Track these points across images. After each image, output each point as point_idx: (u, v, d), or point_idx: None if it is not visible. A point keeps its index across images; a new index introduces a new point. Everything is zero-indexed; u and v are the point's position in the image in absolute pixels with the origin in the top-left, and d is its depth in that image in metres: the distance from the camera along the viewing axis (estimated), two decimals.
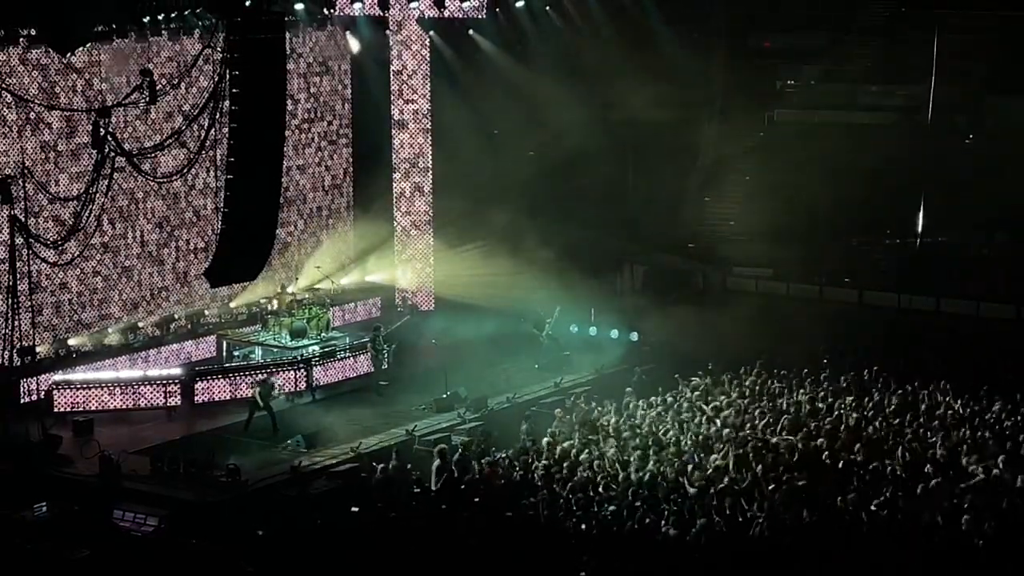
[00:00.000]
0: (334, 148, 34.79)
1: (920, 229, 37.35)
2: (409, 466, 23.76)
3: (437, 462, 23.28)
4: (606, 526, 19.45)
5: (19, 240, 27.06)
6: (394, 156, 35.20)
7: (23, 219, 27.32)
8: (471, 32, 34.93)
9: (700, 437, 24.15)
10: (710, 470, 22.25)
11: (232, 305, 32.03)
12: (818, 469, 22.44)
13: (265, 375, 27.92)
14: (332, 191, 34.95)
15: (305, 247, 34.31)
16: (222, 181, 28.44)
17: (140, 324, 30.37)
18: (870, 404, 26.15)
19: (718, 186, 43.19)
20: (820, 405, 26.27)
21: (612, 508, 20.14)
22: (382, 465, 23.17)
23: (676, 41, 39.29)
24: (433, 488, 22.37)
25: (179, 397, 28.17)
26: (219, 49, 27.64)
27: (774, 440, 23.94)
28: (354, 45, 34.28)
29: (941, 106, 40.45)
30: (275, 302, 31.08)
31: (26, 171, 27.78)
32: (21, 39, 27.47)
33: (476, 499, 21.21)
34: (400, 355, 30.61)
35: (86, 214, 28.19)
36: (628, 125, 39.06)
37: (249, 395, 27.41)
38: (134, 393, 28.02)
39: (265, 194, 27.45)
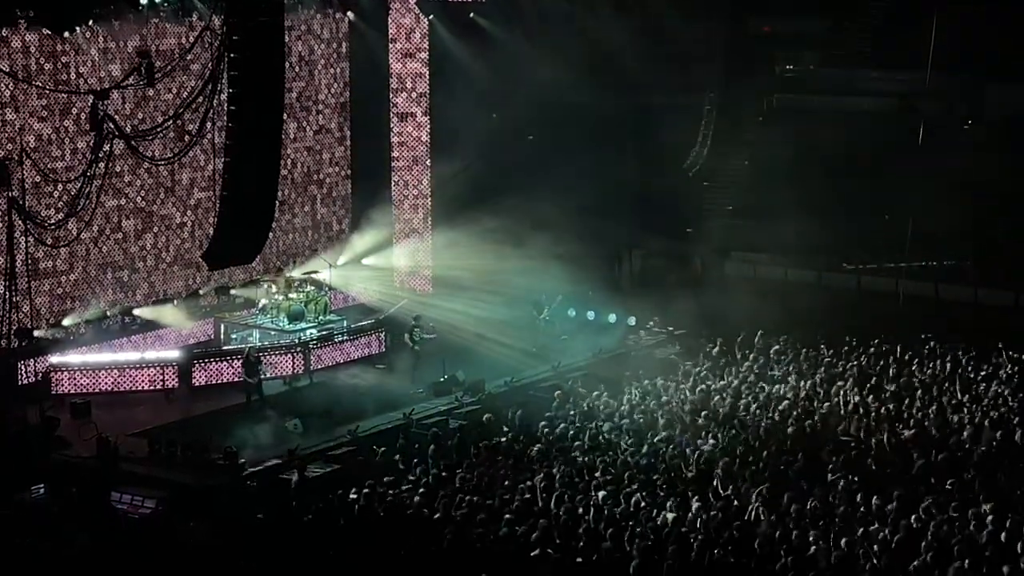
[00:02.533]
0: (332, 131, 34.72)
1: (918, 215, 37.33)
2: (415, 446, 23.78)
3: (432, 446, 23.30)
4: (600, 510, 19.47)
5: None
6: (393, 140, 35.16)
7: (21, 201, 27.25)
8: (472, 16, 34.86)
9: (696, 421, 24.18)
10: (706, 454, 22.30)
11: (234, 291, 31.97)
12: (814, 454, 22.47)
13: (246, 351, 27.83)
14: (329, 174, 34.90)
15: (303, 229, 34.27)
16: (220, 163, 28.33)
17: (136, 311, 30.28)
18: (867, 389, 26.17)
19: (716, 171, 43.17)
20: (818, 390, 26.31)
21: (606, 492, 20.15)
22: (383, 448, 23.16)
23: (676, 25, 39.23)
24: (429, 472, 22.35)
25: (177, 380, 28.16)
26: (218, 31, 27.55)
27: (770, 424, 23.97)
28: (354, 27, 34.19)
29: (940, 92, 40.42)
30: (273, 285, 31.04)
31: (24, 153, 27.69)
32: (19, 19, 27.36)
33: (472, 483, 21.20)
34: (397, 339, 30.59)
35: (83, 196, 28.11)
36: (626, 108, 39.02)
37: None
38: (132, 375, 28.00)
39: (263, 176, 27.35)
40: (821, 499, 19.99)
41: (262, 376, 27.44)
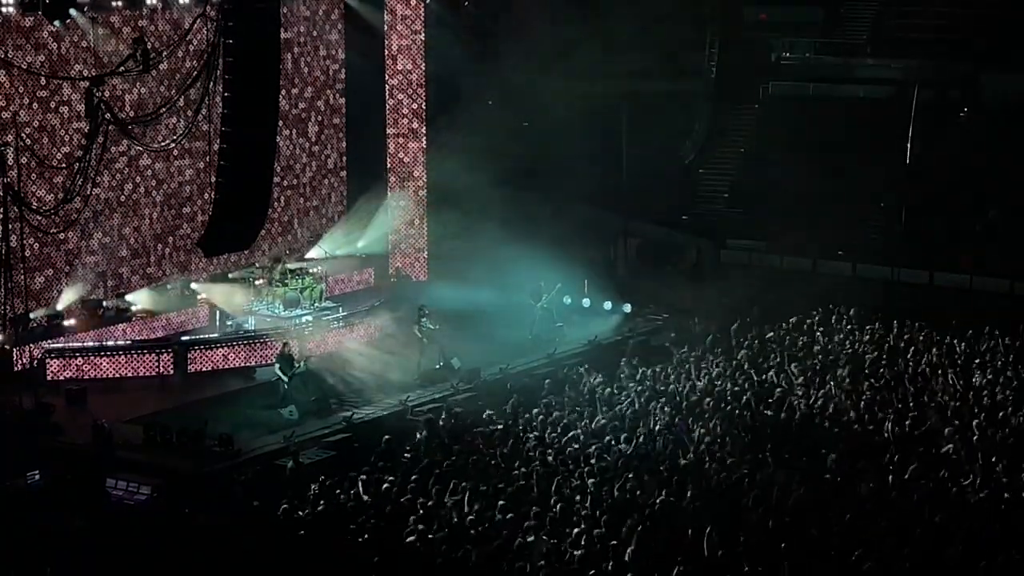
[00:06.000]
0: (328, 115, 34.69)
1: (914, 203, 37.36)
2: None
3: (424, 432, 23.32)
4: (595, 496, 19.51)
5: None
6: (388, 124, 35.09)
7: (16, 188, 27.21)
8: (467, 3, 34.81)
9: (692, 408, 24.21)
10: (701, 441, 22.33)
11: (231, 276, 31.94)
12: (809, 442, 22.52)
13: (281, 347, 27.60)
14: (325, 159, 34.87)
15: (298, 216, 34.27)
16: (216, 149, 28.29)
17: (129, 299, 30.26)
18: (862, 377, 26.21)
19: (712, 159, 43.21)
20: (814, 378, 26.33)
21: (600, 479, 20.18)
22: (387, 437, 23.15)
23: (672, 13, 39.25)
24: (424, 460, 22.36)
25: (172, 366, 28.15)
26: (214, 17, 27.51)
27: (765, 412, 24.01)
28: (350, 11, 34.15)
29: (936, 80, 40.44)
30: (269, 272, 31.02)
31: (20, 140, 27.66)
32: (13, 5, 27.31)
33: (466, 470, 21.24)
34: (395, 326, 30.56)
35: (79, 182, 28.09)
36: (623, 96, 39.02)
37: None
38: (127, 362, 28.00)
39: (259, 163, 27.36)
40: (815, 485, 20.03)
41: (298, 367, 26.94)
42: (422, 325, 29.03)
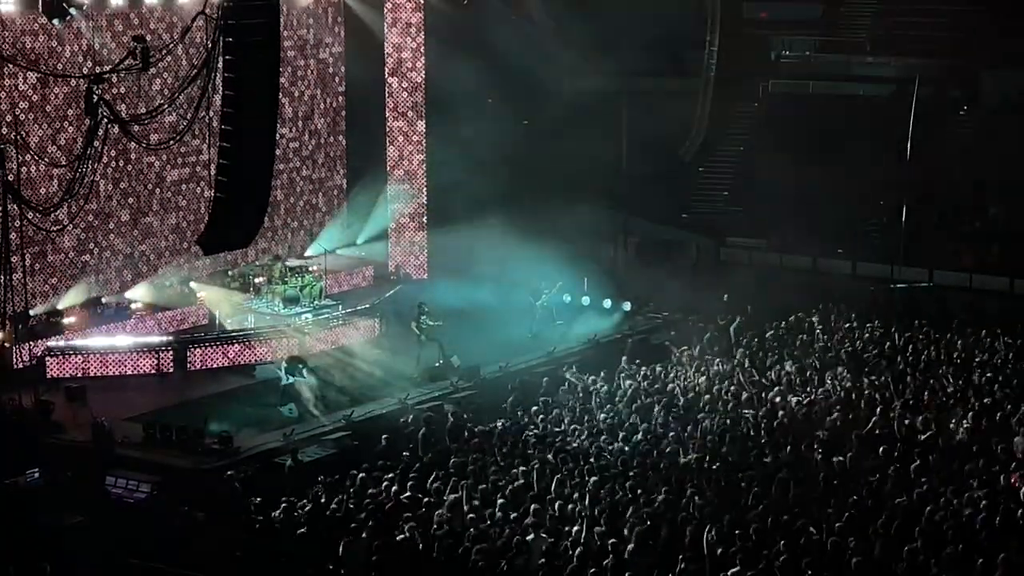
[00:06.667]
0: (328, 114, 34.67)
1: (914, 201, 37.41)
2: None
3: (424, 430, 23.31)
4: (595, 495, 19.51)
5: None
6: (387, 121, 35.06)
7: (15, 185, 27.19)
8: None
9: (691, 407, 24.20)
10: (701, 440, 22.32)
11: (230, 273, 31.95)
12: (808, 441, 22.51)
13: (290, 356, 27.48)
14: (325, 157, 34.85)
15: (298, 214, 34.25)
16: (215, 147, 28.27)
17: (129, 296, 30.25)
18: (862, 376, 26.20)
19: (712, 158, 43.23)
20: (813, 376, 26.33)
21: (600, 478, 20.17)
22: (385, 436, 23.11)
23: (672, 10, 39.25)
24: (423, 457, 22.36)
25: (172, 364, 28.14)
26: (213, 15, 27.47)
27: (765, 410, 23.99)
28: (349, 7, 34.15)
29: (936, 78, 40.47)
30: (268, 269, 31.03)
31: (19, 136, 27.64)
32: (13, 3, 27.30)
33: (466, 468, 21.22)
34: (394, 324, 30.56)
35: (78, 180, 28.05)
36: (621, 93, 39.03)
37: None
38: (127, 360, 27.99)
39: (259, 160, 27.28)
40: (814, 483, 20.03)
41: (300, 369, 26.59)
42: (421, 323, 29.01)
